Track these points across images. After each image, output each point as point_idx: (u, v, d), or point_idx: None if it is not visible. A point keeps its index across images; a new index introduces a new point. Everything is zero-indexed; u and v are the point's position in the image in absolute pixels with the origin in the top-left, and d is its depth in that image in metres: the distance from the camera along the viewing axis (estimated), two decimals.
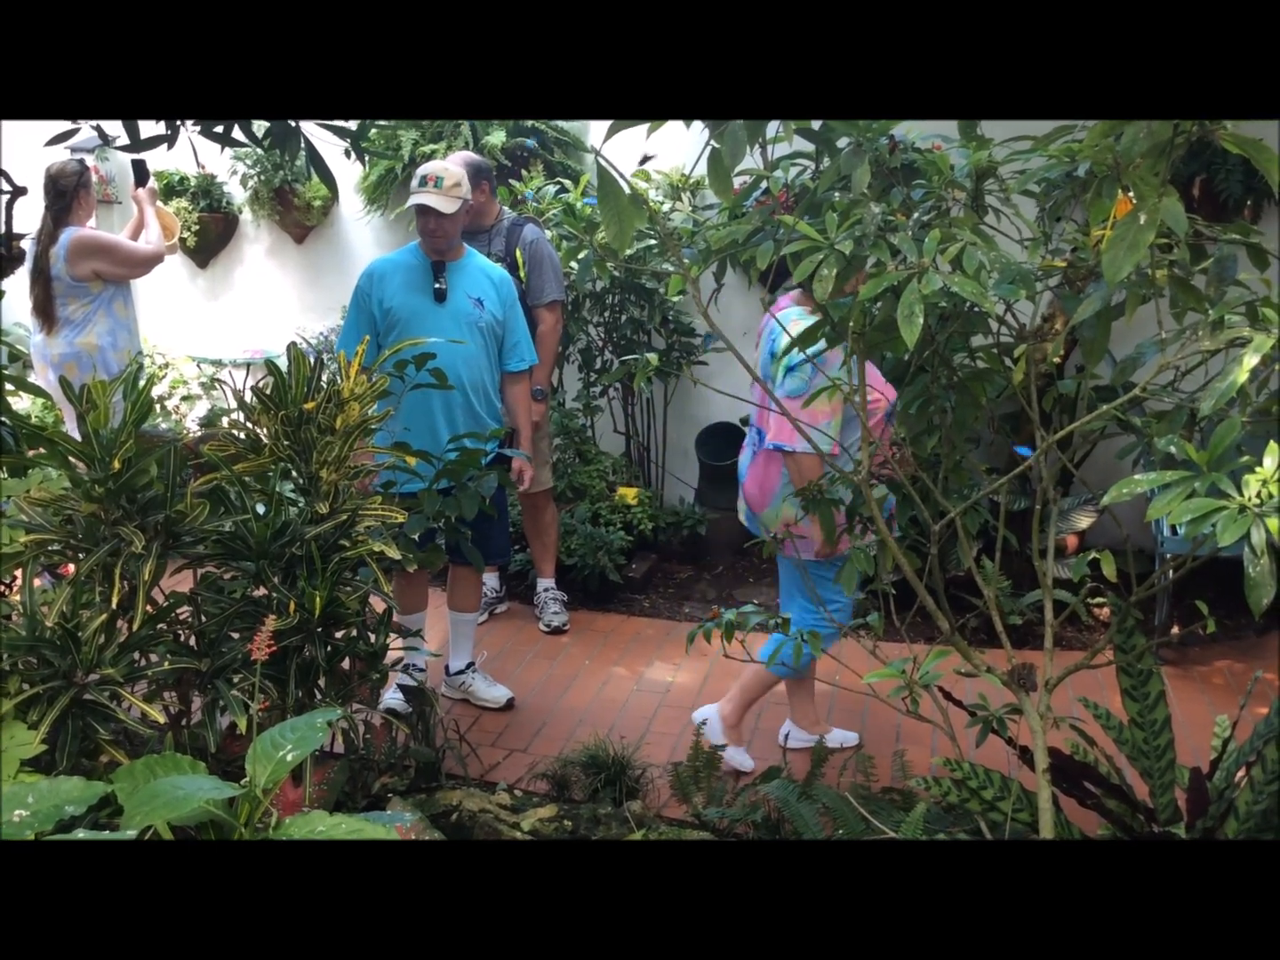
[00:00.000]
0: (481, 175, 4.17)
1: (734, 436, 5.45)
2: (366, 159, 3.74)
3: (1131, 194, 1.50)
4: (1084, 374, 1.98)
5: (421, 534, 3.04)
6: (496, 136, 5.46)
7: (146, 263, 4.59)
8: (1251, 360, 1.36)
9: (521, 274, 4.25)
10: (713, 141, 1.93)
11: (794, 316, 2.92)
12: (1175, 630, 4.15)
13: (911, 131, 2.14)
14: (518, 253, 4.27)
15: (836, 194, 1.94)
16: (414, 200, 3.54)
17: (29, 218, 4.11)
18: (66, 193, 4.44)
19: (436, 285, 3.59)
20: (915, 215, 1.82)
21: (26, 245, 4.29)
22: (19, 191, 2.80)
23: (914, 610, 2.28)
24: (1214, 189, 4.87)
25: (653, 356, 2.16)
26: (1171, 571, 2.79)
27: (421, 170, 3.59)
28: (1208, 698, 3.77)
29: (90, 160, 6.15)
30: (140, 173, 4.78)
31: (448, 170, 3.59)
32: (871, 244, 1.71)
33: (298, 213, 6.09)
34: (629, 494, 5.24)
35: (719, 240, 1.95)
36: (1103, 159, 1.50)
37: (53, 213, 4.43)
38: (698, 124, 1.95)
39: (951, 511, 2.09)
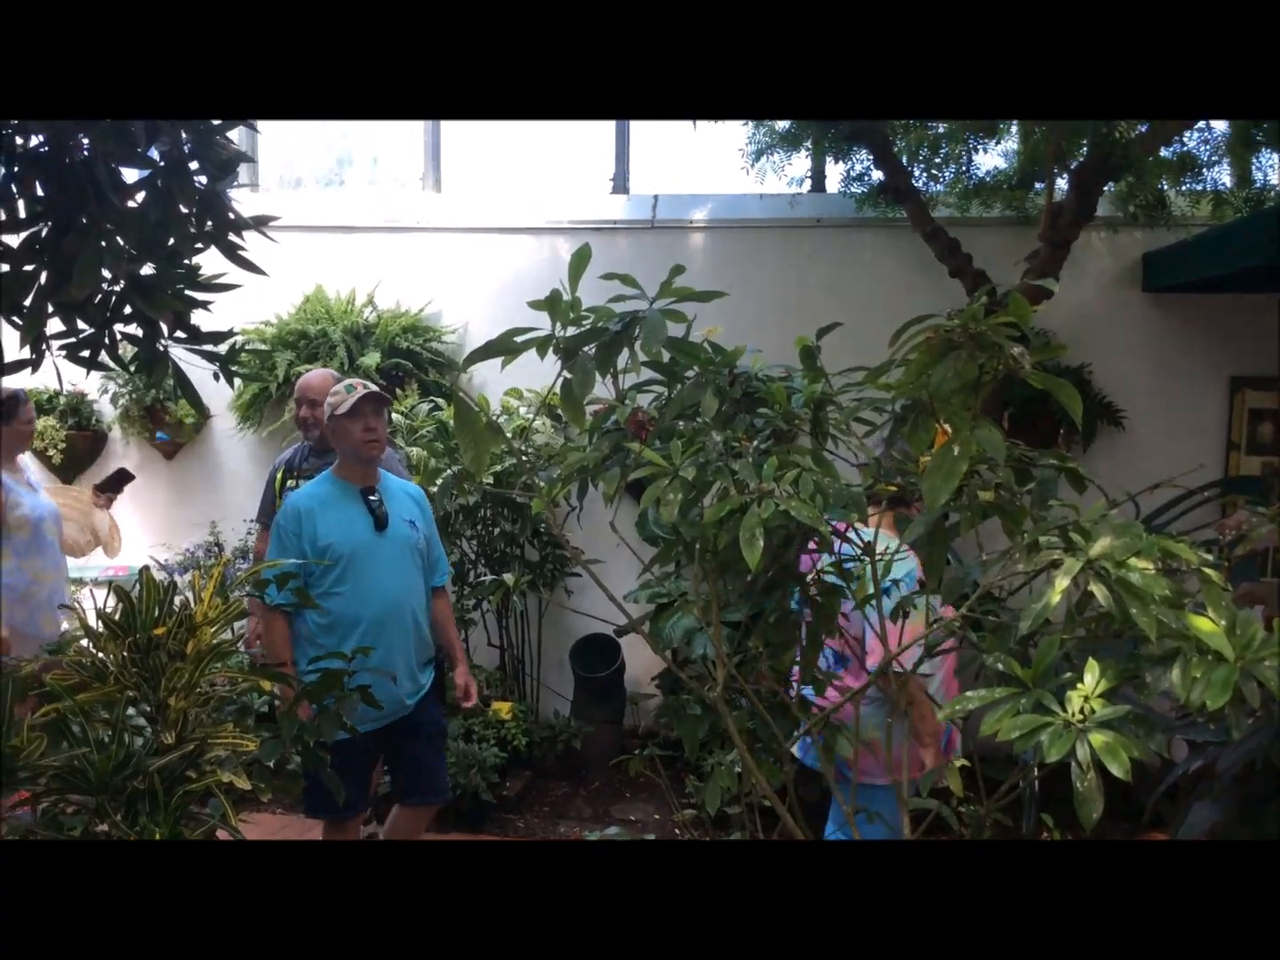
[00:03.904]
0: None
1: (609, 647, 5.46)
2: (236, 380, 3.78)
3: (948, 425, 1.62)
4: (925, 588, 2.07)
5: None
6: (371, 358, 5.60)
7: None
8: (1063, 582, 1.45)
9: None
10: (565, 372, 2.04)
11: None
12: (1044, 836, 4.18)
13: (757, 362, 2.27)
14: None
15: (684, 422, 2.04)
16: (358, 395, 3.43)
17: None
18: None
19: (375, 514, 3.46)
20: (756, 442, 1.92)
21: None
22: None
23: (777, 829, 2.28)
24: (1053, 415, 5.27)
25: (509, 577, 2.19)
26: (1035, 776, 2.85)
27: (342, 384, 3.54)
28: None
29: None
30: (116, 481, 4.62)
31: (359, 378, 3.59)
32: (714, 470, 1.79)
33: (169, 429, 6.07)
34: (503, 708, 5.16)
35: (570, 467, 2.02)
36: (917, 395, 1.62)
37: None
38: (551, 356, 2.06)
39: (806, 726, 2.12)
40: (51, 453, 6.02)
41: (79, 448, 6.17)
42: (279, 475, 4.21)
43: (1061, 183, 5.08)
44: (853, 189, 5.55)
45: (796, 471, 1.75)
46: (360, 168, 8.05)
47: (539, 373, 2.37)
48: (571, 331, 2.05)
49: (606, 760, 5.28)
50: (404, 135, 7.20)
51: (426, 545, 3.62)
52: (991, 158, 5.52)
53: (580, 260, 2.07)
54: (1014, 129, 5.41)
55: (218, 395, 5.71)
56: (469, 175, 6.81)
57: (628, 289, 2.07)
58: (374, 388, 3.49)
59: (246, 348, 5.67)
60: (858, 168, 5.49)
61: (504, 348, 2.02)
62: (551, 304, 2.01)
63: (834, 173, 6.21)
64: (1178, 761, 2.06)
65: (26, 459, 4.37)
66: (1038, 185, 5.48)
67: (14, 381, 4.43)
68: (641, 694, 5.49)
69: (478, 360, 2.02)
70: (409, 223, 6.33)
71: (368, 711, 2.85)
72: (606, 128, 6.50)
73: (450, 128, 6.65)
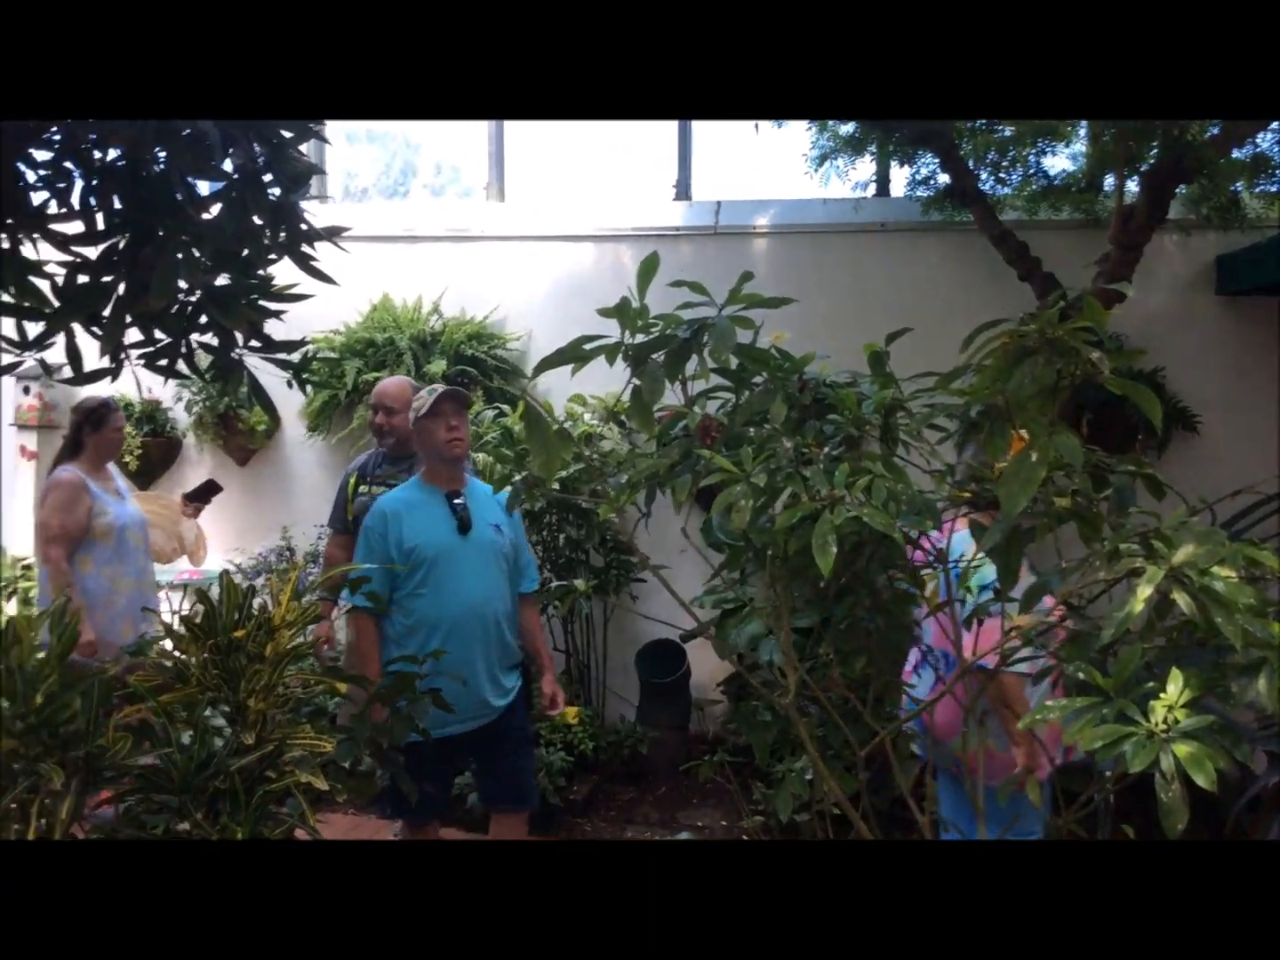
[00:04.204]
0: None
1: (674, 653, 5.46)
2: (309, 388, 3.86)
3: (1024, 431, 1.60)
4: (1000, 595, 2.05)
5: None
6: (438, 365, 5.66)
7: (48, 542, 4.08)
8: (1146, 590, 1.43)
9: None
10: (634, 379, 2.05)
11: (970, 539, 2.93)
12: None
13: (825, 368, 2.27)
14: None
15: (754, 429, 2.04)
16: (437, 394, 3.46)
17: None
18: (74, 428, 4.27)
19: (459, 517, 3.49)
20: (827, 449, 1.92)
21: None
22: None
23: (850, 836, 2.27)
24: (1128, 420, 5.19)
25: (580, 583, 2.20)
26: (1111, 788, 2.80)
27: (425, 389, 3.58)
28: None
29: (34, 387, 6.26)
30: (205, 491, 4.74)
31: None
32: (785, 476, 1.79)
33: (241, 437, 6.20)
34: (570, 713, 5.18)
35: (640, 473, 2.03)
36: (993, 401, 1.61)
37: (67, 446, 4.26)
38: (620, 363, 2.08)
39: (881, 733, 2.10)
40: (127, 459, 6.16)
41: (154, 454, 6.32)
42: (352, 481, 4.26)
43: (1132, 185, 5.00)
44: (918, 193, 5.51)
45: (869, 478, 1.74)
46: (424, 177, 8.15)
47: (602, 379, 2.39)
48: (640, 339, 2.06)
49: (672, 765, 5.29)
50: (468, 146, 7.29)
51: (514, 551, 3.62)
52: (1060, 160, 5.45)
53: (648, 268, 2.08)
54: (1082, 131, 5.34)
55: (288, 403, 5.82)
56: (532, 184, 6.88)
57: (696, 296, 2.07)
58: (464, 391, 3.52)
59: (317, 356, 5.78)
60: (923, 171, 5.45)
61: (574, 355, 2.04)
62: (621, 311, 2.02)
63: (899, 177, 6.18)
64: (1258, 773, 2.02)
65: (114, 467, 4.47)
66: (1107, 187, 5.40)
67: (92, 390, 4.56)
68: (707, 700, 5.49)
69: (549, 367, 2.03)
70: (474, 232, 6.40)
71: (450, 715, 2.87)
72: (668, 135, 6.52)
73: (514, 138, 6.71)
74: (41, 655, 1.99)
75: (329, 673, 2.76)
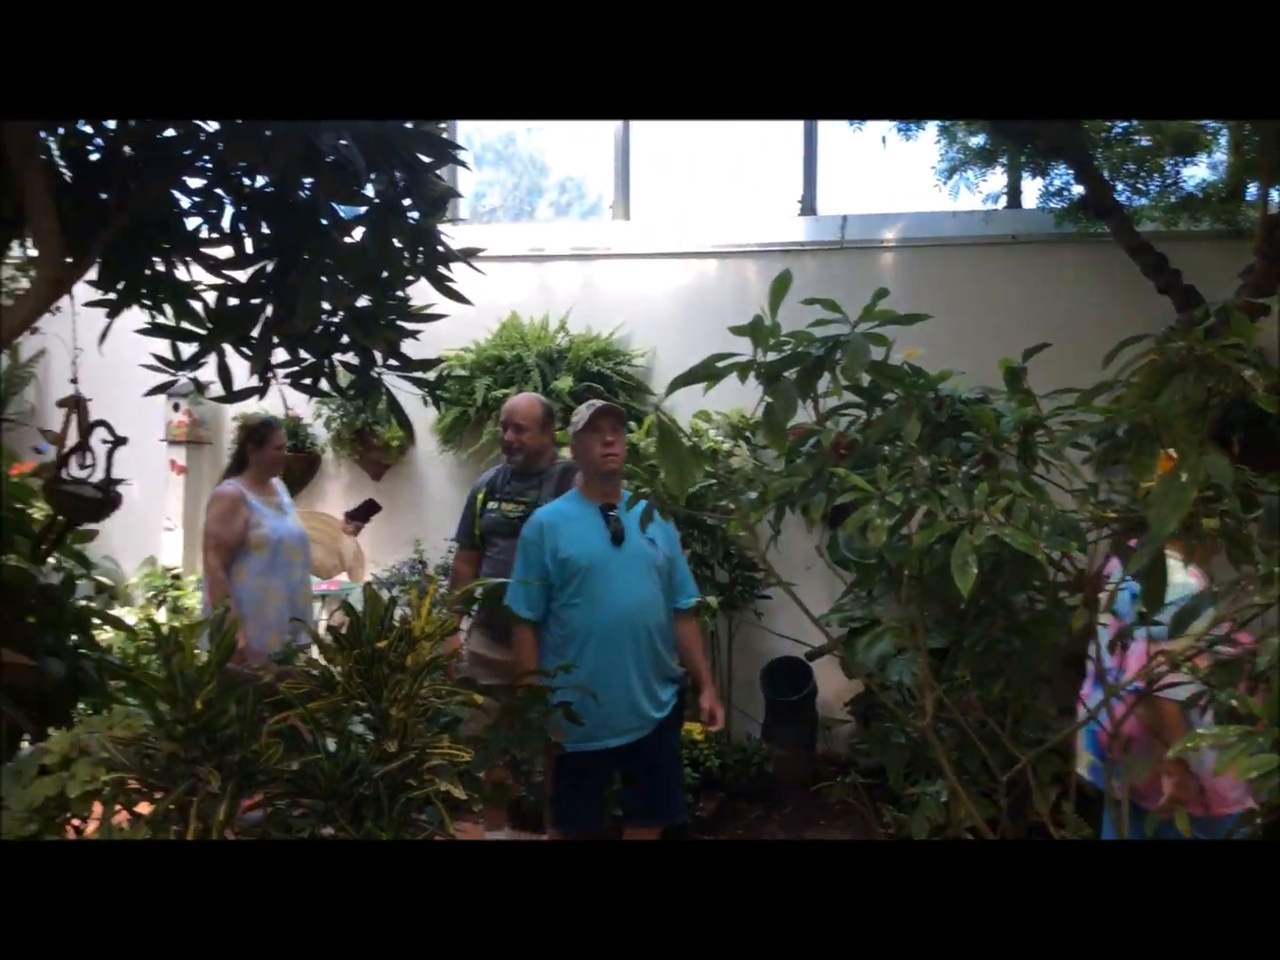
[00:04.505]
0: (552, 418, 4.34)
1: (799, 671, 5.43)
2: (442, 405, 3.94)
3: (1172, 451, 1.56)
4: (1146, 619, 2.00)
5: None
6: (564, 381, 5.75)
7: (208, 550, 4.32)
8: None
9: None
10: (766, 397, 2.06)
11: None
12: None
13: (959, 384, 2.24)
14: None
15: (887, 446, 2.03)
16: (594, 409, 3.52)
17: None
18: (239, 444, 4.52)
19: (612, 528, 3.53)
20: (964, 467, 1.90)
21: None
22: (119, 441, 3.02)
23: None
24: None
25: (712, 599, 2.22)
26: (1260, 821, 2.69)
27: (584, 404, 3.64)
28: None
29: (184, 404, 6.55)
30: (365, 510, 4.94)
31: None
32: (921, 495, 1.78)
33: (376, 452, 6.39)
34: (695, 729, 5.19)
35: (774, 492, 2.04)
36: (1140, 419, 1.57)
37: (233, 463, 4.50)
38: (752, 379, 2.09)
39: (1022, 759, 2.07)
40: None
41: (295, 470, 6.54)
42: (480, 496, 4.34)
43: (1276, 194, 4.80)
44: (1052, 204, 5.38)
45: (1009, 497, 1.72)
46: (550, 196, 8.30)
47: (727, 395, 2.39)
48: (772, 356, 2.07)
49: (797, 784, 5.24)
50: (594, 165, 7.39)
51: (668, 565, 3.64)
52: (1199, 169, 5.27)
53: (781, 286, 2.09)
54: (1223, 140, 5.15)
55: (419, 418, 5.96)
56: (657, 201, 6.93)
57: (828, 313, 2.08)
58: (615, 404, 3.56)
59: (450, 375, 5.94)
60: (1056, 183, 5.33)
61: (707, 373, 2.06)
62: (753, 330, 2.03)
63: (1030, 188, 6.04)
64: None
65: (279, 483, 4.66)
66: (1250, 196, 5.19)
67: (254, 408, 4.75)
68: (833, 719, 5.44)
69: (682, 385, 2.06)
70: (599, 249, 6.49)
71: (609, 726, 2.90)
72: (793, 150, 6.50)
73: (639, 157, 6.78)
74: (202, 662, 2.09)
75: (463, 684, 2.83)
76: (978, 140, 5.26)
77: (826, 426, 2.17)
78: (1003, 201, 6.09)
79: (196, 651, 2.13)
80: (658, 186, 7.04)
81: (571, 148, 8.11)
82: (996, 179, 5.79)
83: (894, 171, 6.54)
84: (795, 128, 6.45)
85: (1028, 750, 2.10)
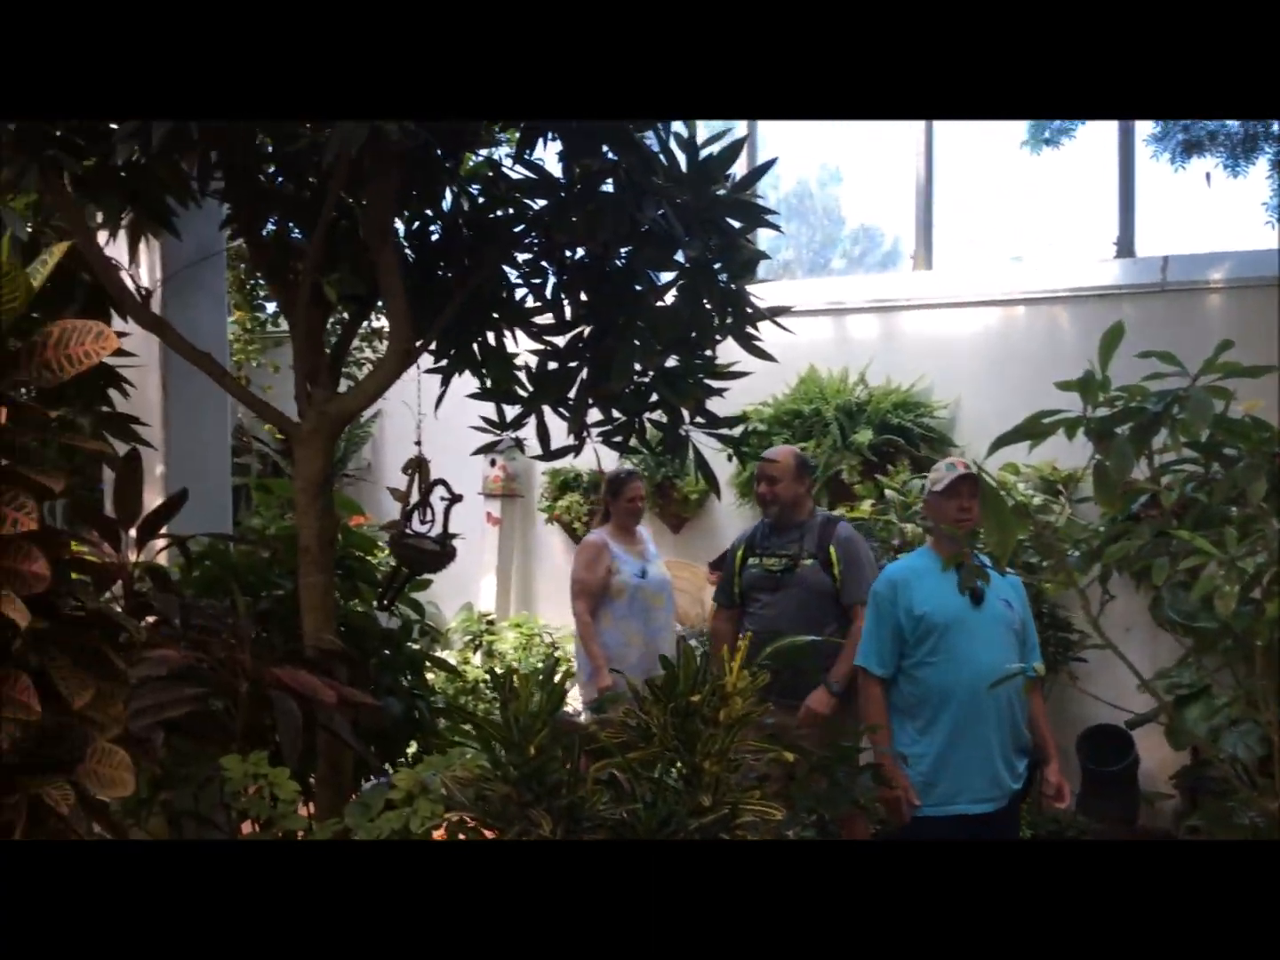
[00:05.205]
0: (807, 469, 4.33)
1: (1119, 739, 5.09)
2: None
3: None
4: None
5: None
6: (864, 434, 5.71)
7: (574, 596, 4.69)
8: None
9: (835, 571, 4.18)
10: (1097, 454, 1.97)
11: None
12: None
13: None
14: (831, 549, 4.19)
15: (1234, 508, 1.89)
16: (956, 475, 3.45)
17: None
18: (605, 497, 4.89)
19: (974, 588, 3.38)
20: None
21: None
22: (456, 499, 3.26)
23: None
24: None
25: (1039, 665, 2.13)
26: None
27: (943, 462, 3.65)
28: None
29: (500, 460, 6.96)
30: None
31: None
32: (1274, 559, 1.65)
33: (676, 505, 6.56)
34: None
35: (1112, 555, 1.94)
36: None
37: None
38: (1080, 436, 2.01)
39: None
40: (576, 526, 6.71)
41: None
42: (739, 553, 4.36)
43: None
44: None
45: None
46: (844, 247, 8.30)
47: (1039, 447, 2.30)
48: (1102, 411, 1.98)
49: None
50: (892, 215, 7.34)
51: (1023, 629, 3.51)
52: None
53: (1114, 337, 2.01)
54: None
55: (718, 472, 6.06)
56: (959, 249, 6.79)
57: (1166, 366, 1.97)
58: (972, 468, 3.46)
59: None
60: None
61: (1032, 430, 2.00)
62: (1083, 385, 1.96)
63: None
64: None
65: (645, 532, 4.96)
66: None
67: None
68: (1156, 793, 5.06)
69: (1006, 444, 2.01)
70: (898, 300, 6.42)
71: (968, 791, 2.85)
72: (1109, 187, 6.20)
73: (942, 200, 6.65)
74: (534, 709, 2.21)
75: (770, 740, 2.85)
76: None
77: (1166, 486, 2.05)
78: None
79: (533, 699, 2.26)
80: (961, 231, 6.90)
81: (869, 198, 8.10)
82: None
83: (1219, 209, 6.11)
84: (1111, 167, 6.14)
85: None
